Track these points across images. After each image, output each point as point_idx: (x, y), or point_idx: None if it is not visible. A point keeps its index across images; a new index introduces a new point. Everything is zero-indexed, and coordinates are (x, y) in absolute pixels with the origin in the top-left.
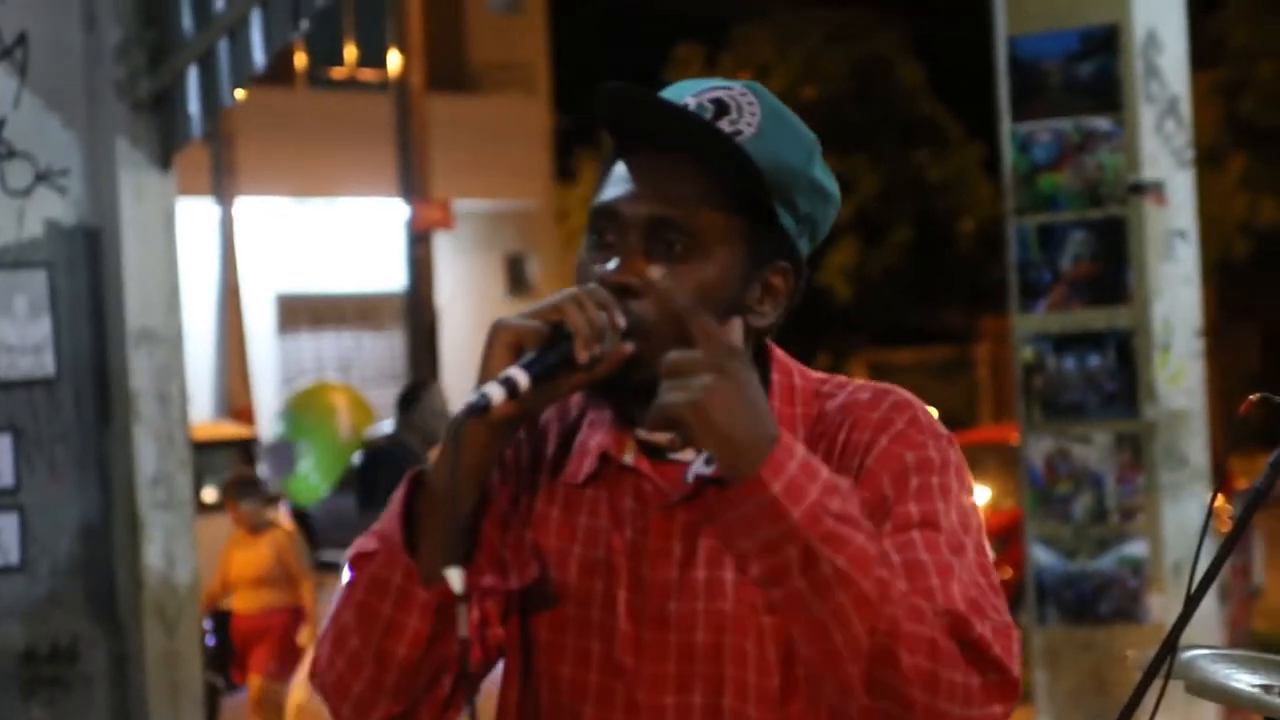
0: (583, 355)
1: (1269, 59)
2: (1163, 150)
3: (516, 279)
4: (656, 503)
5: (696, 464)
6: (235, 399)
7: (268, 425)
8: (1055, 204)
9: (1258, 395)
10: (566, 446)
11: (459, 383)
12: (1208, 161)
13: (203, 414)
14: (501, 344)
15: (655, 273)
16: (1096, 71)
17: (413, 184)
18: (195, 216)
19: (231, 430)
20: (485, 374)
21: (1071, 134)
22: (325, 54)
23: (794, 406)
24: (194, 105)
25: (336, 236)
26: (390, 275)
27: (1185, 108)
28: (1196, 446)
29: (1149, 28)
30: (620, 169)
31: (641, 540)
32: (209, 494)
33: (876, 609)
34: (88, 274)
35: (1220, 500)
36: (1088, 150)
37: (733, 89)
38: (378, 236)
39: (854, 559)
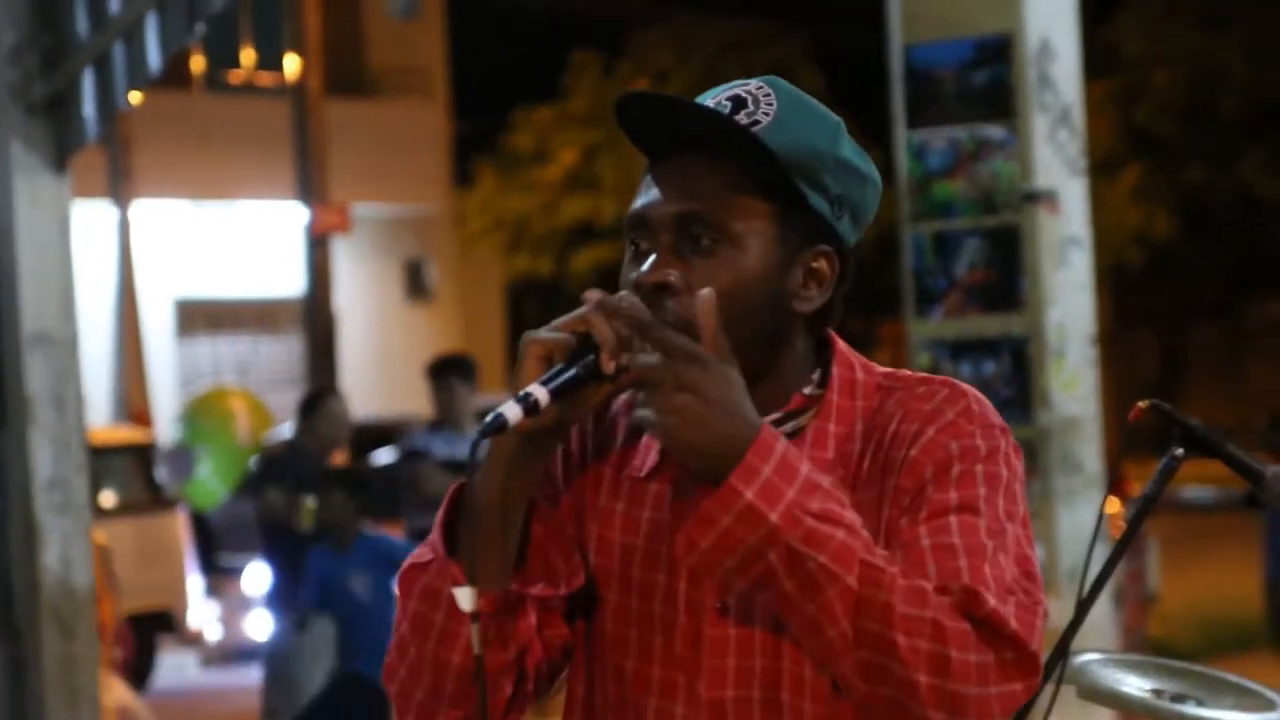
0: (609, 366)
1: (1164, 67)
2: (1056, 159)
3: (415, 284)
4: None
5: None
6: (133, 403)
7: (166, 429)
8: (950, 211)
9: (1147, 402)
10: (633, 441)
11: (358, 386)
12: (1103, 170)
13: (100, 418)
14: (532, 357)
15: (687, 270)
16: (990, 80)
17: (311, 188)
18: (91, 220)
19: (129, 434)
20: (518, 388)
21: (966, 142)
22: (222, 57)
23: (854, 400)
24: (89, 108)
25: (234, 240)
26: (288, 280)
27: (1078, 116)
28: (1091, 453)
29: (1042, 37)
30: (648, 178)
31: None
32: (106, 498)
33: (867, 599)
34: None
35: (1115, 505)
36: (982, 158)
37: (749, 85)
38: (276, 241)
39: (836, 555)
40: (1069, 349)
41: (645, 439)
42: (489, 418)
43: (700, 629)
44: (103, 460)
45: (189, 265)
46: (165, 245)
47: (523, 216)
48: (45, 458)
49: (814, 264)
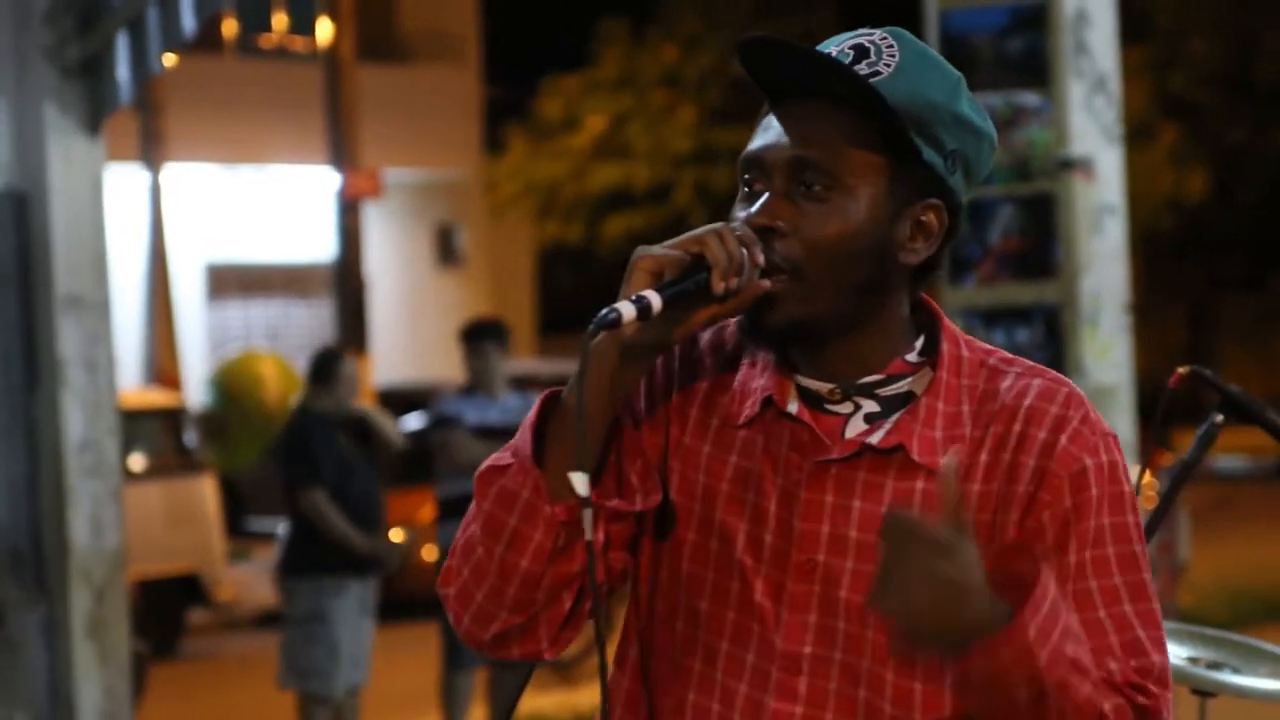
0: (719, 285)
1: (1199, 35)
2: (1091, 126)
3: (446, 249)
4: (813, 454)
5: (855, 420)
6: (163, 367)
7: (195, 393)
8: (985, 178)
9: (1187, 368)
10: (724, 385)
11: (388, 352)
12: (1137, 136)
13: (130, 381)
14: (643, 270)
15: (798, 214)
16: (1026, 47)
17: (342, 153)
18: (124, 183)
19: (159, 398)
20: (624, 297)
21: (1001, 109)
22: (255, 22)
23: (960, 378)
24: (123, 71)
25: (266, 205)
26: (319, 244)
27: (1114, 84)
28: (1124, 421)
29: (1078, 4)
30: (766, 120)
31: (794, 490)
32: (136, 462)
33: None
34: (15, 239)
35: (1147, 476)
36: (1017, 125)
37: (874, 34)
38: (307, 205)
39: (1080, 708)
40: (1103, 317)
41: (739, 385)
42: (603, 313)
43: (783, 581)
44: (133, 424)
45: (220, 229)
46: (197, 209)
47: (553, 183)
48: (77, 420)
49: (923, 217)
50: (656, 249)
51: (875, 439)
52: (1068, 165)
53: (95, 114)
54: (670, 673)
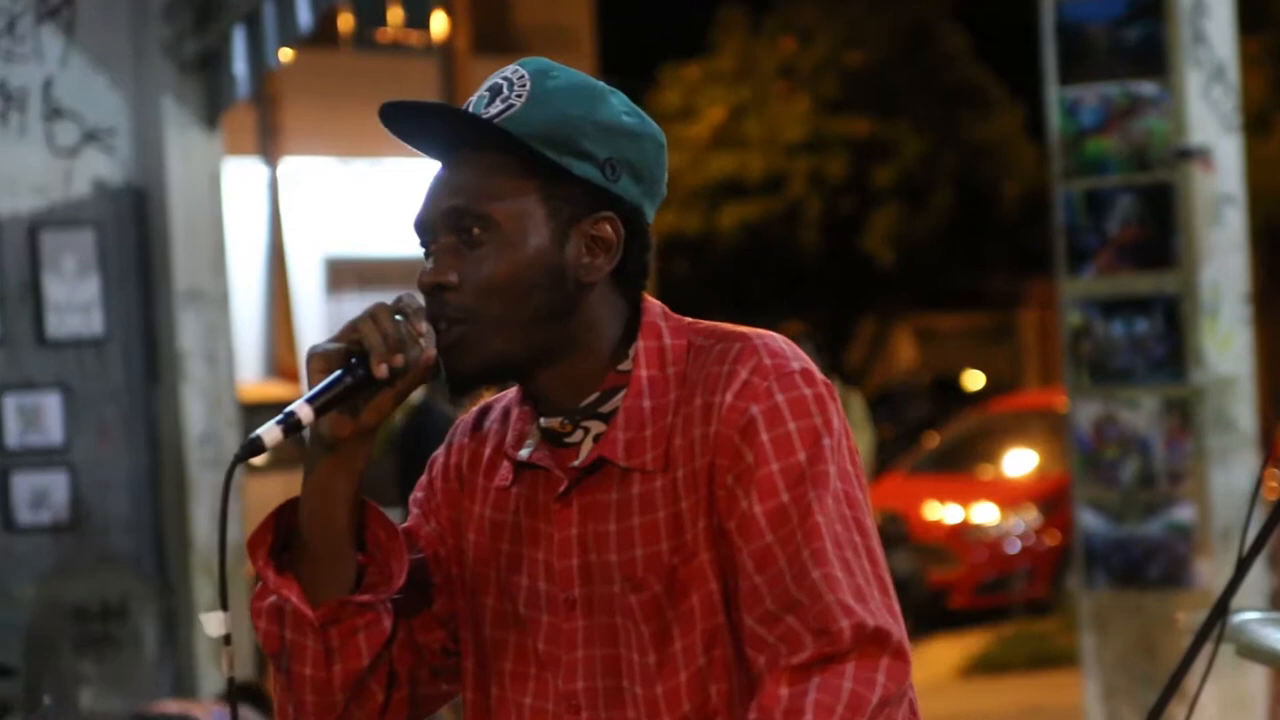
0: (380, 370)
1: None
2: (1210, 115)
3: None
4: (555, 491)
5: (586, 445)
6: (282, 359)
7: None
8: (1102, 168)
9: None
10: (501, 448)
11: None
12: (1256, 126)
13: (250, 374)
14: (315, 371)
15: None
16: (1143, 36)
17: None
18: (242, 177)
19: (279, 391)
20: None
21: (1118, 98)
22: (371, 16)
23: (664, 369)
24: (240, 66)
25: (383, 198)
26: None
27: (1233, 73)
28: (1245, 412)
29: None
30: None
31: (550, 530)
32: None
33: None
34: (135, 233)
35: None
36: (1135, 115)
37: (508, 71)
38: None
39: None
40: (1223, 307)
41: (510, 448)
42: (248, 439)
43: (556, 624)
44: (252, 416)
45: (338, 223)
46: (314, 203)
47: (670, 173)
48: (197, 412)
49: (593, 232)
50: (322, 346)
51: (578, 461)
52: (1186, 155)
53: (213, 109)
54: None
